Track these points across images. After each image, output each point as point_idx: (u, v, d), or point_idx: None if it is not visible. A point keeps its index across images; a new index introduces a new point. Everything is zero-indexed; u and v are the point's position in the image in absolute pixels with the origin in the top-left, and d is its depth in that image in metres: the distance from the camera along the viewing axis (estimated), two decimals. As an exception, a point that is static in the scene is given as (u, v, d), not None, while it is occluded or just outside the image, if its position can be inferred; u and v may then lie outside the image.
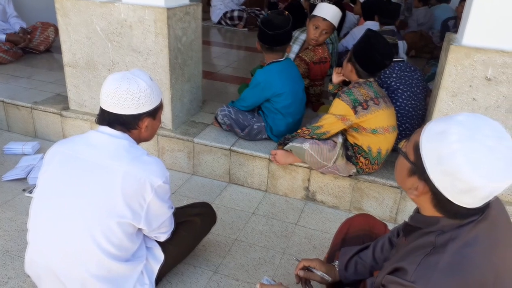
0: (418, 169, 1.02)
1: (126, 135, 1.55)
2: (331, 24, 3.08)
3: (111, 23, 2.64)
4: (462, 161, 0.92)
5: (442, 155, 0.95)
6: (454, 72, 2.06)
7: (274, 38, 2.55)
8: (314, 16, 3.12)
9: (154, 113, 1.60)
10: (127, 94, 1.49)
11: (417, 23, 5.83)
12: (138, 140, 1.62)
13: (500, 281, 1.01)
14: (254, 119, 2.69)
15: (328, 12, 3.08)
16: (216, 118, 2.78)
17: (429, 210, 1.06)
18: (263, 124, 2.68)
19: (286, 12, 2.64)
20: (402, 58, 2.72)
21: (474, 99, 2.09)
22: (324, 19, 3.07)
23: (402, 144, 1.13)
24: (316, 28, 3.10)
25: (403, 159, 1.09)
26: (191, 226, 1.86)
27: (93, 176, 1.47)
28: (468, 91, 2.08)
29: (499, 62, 1.99)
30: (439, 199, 1.01)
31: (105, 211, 1.45)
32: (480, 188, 0.92)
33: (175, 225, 1.75)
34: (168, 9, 2.50)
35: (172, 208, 1.68)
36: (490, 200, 1.03)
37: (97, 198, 1.46)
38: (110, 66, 2.77)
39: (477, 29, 2.01)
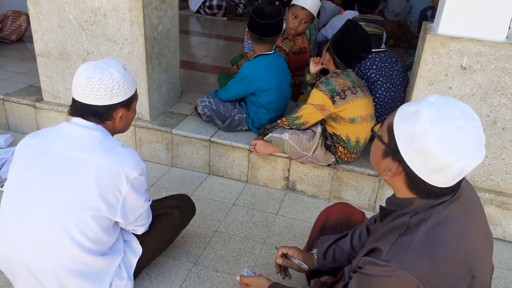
0: (392, 150, 1.04)
1: (100, 127, 1.51)
2: (310, 13, 3.06)
3: (85, 11, 2.56)
4: (433, 139, 0.95)
5: (414, 134, 0.98)
6: (431, 61, 2.08)
7: (265, 28, 2.50)
8: (293, 5, 3.10)
9: (129, 104, 1.57)
10: (100, 84, 1.45)
11: (393, 14, 5.87)
12: (113, 131, 1.59)
13: (471, 259, 1.05)
14: (236, 110, 2.66)
15: (307, 1, 3.06)
16: (196, 109, 2.75)
17: (403, 191, 1.09)
18: (244, 115, 2.66)
19: (277, 2, 2.61)
20: (385, 48, 2.69)
21: (450, 87, 2.11)
22: (303, 8, 3.05)
23: (376, 128, 1.15)
24: (295, 17, 3.07)
25: (378, 141, 1.11)
26: (170, 218, 1.83)
27: (66, 169, 1.43)
28: (444, 79, 2.10)
29: (473, 51, 2.02)
30: (412, 179, 1.04)
31: (79, 205, 1.42)
32: (451, 165, 0.95)
33: (153, 217, 1.72)
34: (144, -3, 2.43)
35: (149, 200, 1.65)
36: (461, 181, 1.06)
37: (70, 192, 1.42)
38: (85, 56, 2.69)
39: (452, 18, 2.03)
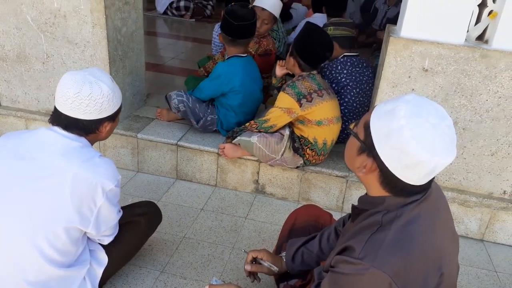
0: (367, 147, 1.06)
1: (81, 138, 1.46)
2: (271, 14, 3.08)
3: (43, 12, 2.46)
4: (408, 135, 0.96)
5: (391, 130, 0.99)
6: (394, 63, 2.12)
7: (238, 29, 2.48)
8: (254, 6, 3.12)
9: (115, 116, 1.53)
10: (89, 100, 1.39)
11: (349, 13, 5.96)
12: (94, 141, 1.54)
13: (440, 256, 1.07)
14: (209, 110, 2.64)
15: (266, 2, 3.07)
16: (167, 99, 2.65)
17: (376, 189, 1.10)
18: (215, 116, 2.64)
19: (250, 5, 2.60)
20: (357, 53, 2.70)
21: (413, 89, 2.16)
22: (263, 9, 3.06)
23: (352, 125, 1.16)
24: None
25: (353, 139, 1.12)
26: (135, 226, 1.79)
27: (40, 177, 1.37)
28: (407, 81, 2.15)
29: (434, 53, 2.07)
30: (385, 175, 1.05)
31: (51, 216, 1.36)
32: (424, 162, 0.97)
33: (119, 226, 1.67)
34: (105, -2, 2.36)
35: (120, 212, 1.61)
36: (432, 181, 1.09)
37: (43, 202, 1.36)
38: (44, 59, 2.59)
39: (414, 21, 2.08)
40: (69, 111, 1.41)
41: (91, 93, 1.39)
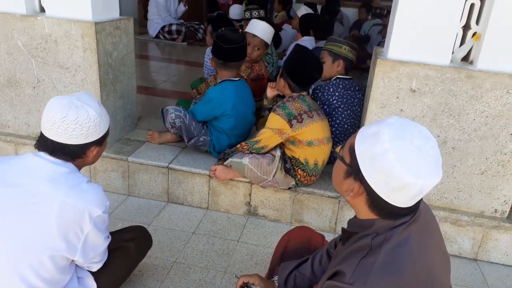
0: (354, 170, 1.06)
1: (68, 163, 1.45)
2: (262, 40, 3.12)
3: (34, 38, 2.48)
4: (393, 158, 0.97)
5: (375, 154, 0.99)
6: (382, 84, 2.15)
7: (229, 52, 2.51)
8: (246, 32, 3.16)
9: (102, 140, 1.52)
10: (76, 125, 1.38)
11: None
12: (81, 166, 1.52)
13: (431, 279, 1.06)
14: (203, 131, 2.65)
15: (257, 29, 3.12)
16: (162, 113, 2.65)
17: (364, 212, 1.10)
18: (208, 138, 2.64)
19: (240, 30, 2.65)
20: (350, 76, 2.72)
21: (401, 109, 2.19)
22: (254, 35, 3.10)
23: (338, 149, 1.17)
24: (248, 45, 3.13)
25: (340, 162, 1.12)
26: (125, 252, 1.75)
27: (26, 205, 1.34)
28: (396, 102, 2.18)
29: (421, 74, 2.11)
30: (373, 199, 1.05)
31: (37, 245, 1.33)
32: (410, 184, 0.97)
33: (108, 252, 1.64)
34: (97, 23, 2.39)
35: (108, 238, 1.58)
36: (420, 202, 1.09)
37: (28, 229, 1.33)
38: (35, 83, 2.59)
39: (400, 43, 2.12)
40: (55, 136, 1.40)
41: (77, 117, 1.39)
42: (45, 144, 1.43)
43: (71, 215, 1.36)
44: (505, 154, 2.16)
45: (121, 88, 2.74)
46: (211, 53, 2.62)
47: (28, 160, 1.42)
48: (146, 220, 2.44)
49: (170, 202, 2.64)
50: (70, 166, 1.45)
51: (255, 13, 3.97)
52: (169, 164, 2.57)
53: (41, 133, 1.44)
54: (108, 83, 2.58)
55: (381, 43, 5.48)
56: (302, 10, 5.01)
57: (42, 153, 1.43)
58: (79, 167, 1.51)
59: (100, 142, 1.51)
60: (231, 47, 2.51)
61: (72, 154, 1.44)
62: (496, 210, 2.28)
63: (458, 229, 2.33)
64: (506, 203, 2.26)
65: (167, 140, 2.77)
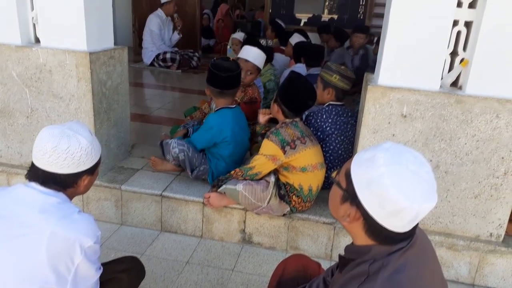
0: (350, 195, 1.06)
1: (59, 193, 1.43)
2: (254, 65, 3.20)
3: (29, 68, 2.50)
4: (388, 182, 0.97)
5: (371, 178, 1.00)
6: (373, 110, 2.18)
7: (226, 81, 2.55)
8: (238, 58, 3.25)
9: (94, 169, 1.50)
10: (67, 154, 1.37)
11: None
12: (73, 196, 1.50)
13: None
14: (203, 160, 2.65)
15: (249, 54, 3.21)
16: (162, 146, 2.65)
17: (361, 238, 1.09)
18: (207, 166, 2.64)
19: (231, 58, 2.71)
20: (342, 103, 2.76)
21: (393, 134, 2.21)
22: (246, 60, 3.19)
23: (334, 174, 1.17)
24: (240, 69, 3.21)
25: (336, 187, 1.12)
26: (118, 284, 1.71)
27: (15, 236, 1.31)
28: (387, 127, 2.20)
29: (412, 100, 2.14)
30: (370, 224, 1.04)
31: (27, 278, 1.29)
32: (406, 209, 0.97)
33: (100, 284, 1.60)
34: (91, 53, 2.42)
35: (100, 269, 1.54)
36: (416, 228, 1.08)
37: (17, 263, 1.30)
38: (29, 113, 2.59)
39: (390, 69, 2.16)
40: (46, 166, 1.39)
41: (68, 146, 1.38)
42: (36, 174, 1.42)
43: (61, 246, 1.33)
44: (497, 177, 2.17)
45: (114, 117, 2.75)
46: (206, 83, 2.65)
47: (18, 191, 1.41)
48: (139, 250, 2.40)
49: (163, 230, 2.61)
50: (61, 196, 1.43)
51: (263, 42, 4.11)
52: (162, 192, 2.55)
53: (32, 163, 1.43)
54: (102, 112, 2.59)
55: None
56: (295, 38, 5.11)
57: (33, 184, 1.42)
58: (71, 197, 1.49)
59: (92, 171, 1.50)
60: (229, 75, 2.55)
61: (63, 183, 1.43)
62: (491, 234, 2.28)
63: (454, 253, 2.31)
64: (501, 226, 2.26)
65: (167, 169, 2.76)
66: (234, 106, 2.67)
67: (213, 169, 2.63)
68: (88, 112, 2.50)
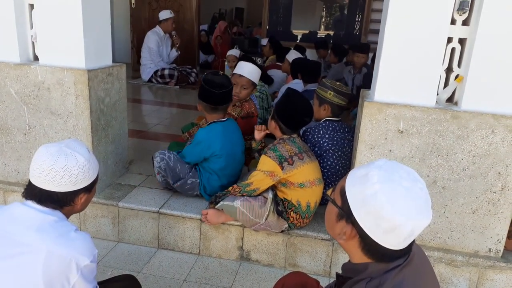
0: (345, 213, 1.06)
1: (56, 212, 1.42)
2: (249, 80, 3.24)
3: (27, 85, 2.51)
4: (383, 200, 0.98)
5: (366, 196, 1.00)
6: (370, 126, 2.19)
7: (220, 96, 2.57)
8: (233, 74, 3.30)
9: (91, 187, 1.50)
10: (65, 172, 1.37)
11: (335, 79, 6.25)
12: (70, 214, 1.50)
13: None
14: (190, 173, 2.63)
15: (243, 69, 3.25)
16: (153, 160, 2.65)
17: (357, 256, 1.09)
18: (197, 180, 2.62)
19: (222, 72, 2.73)
20: (339, 118, 2.78)
21: (390, 150, 2.21)
22: (241, 75, 3.22)
23: (329, 192, 1.17)
24: (235, 84, 3.24)
25: (331, 205, 1.13)
26: (114, 302, 1.69)
27: (11, 256, 1.30)
28: (384, 143, 2.21)
29: (408, 116, 2.15)
30: (366, 241, 1.04)
31: None
32: (401, 226, 0.98)
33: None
34: (89, 70, 2.44)
35: None
36: (412, 244, 1.08)
37: (12, 282, 1.28)
38: (26, 130, 2.60)
39: (386, 86, 2.18)
40: (43, 184, 1.39)
41: (66, 164, 1.38)
42: (33, 193, 1.41)
43: (57, 265, 1.32)
44: (495, 192, 2.17)
45: (112, 133, 2.75)
46: (198, 99, 2.66)
47: (15, 210, 1.40)
48: (136, 268, 2.38)
49: (160, 248, 2.59)
50: (58, 214, 1.43)
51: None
52: (159, 208, 2.54)
53: (29, 182, 1.43)
54: (100, 129, 2.60)
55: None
56: (292, 54, 5.17)
57: (29, 202, 1.41)
58: (68, 215, 1.49)
59: (89, 189, 1.49)
60: (223, 92, 2.57)
61: (60, 202, 1.42)
62: (490, 249, 2.27)
63: (453, 269, 2.30)
64: (500, 242, 2.25)
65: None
66: (225, 119, 2.68)
67: (205, 184, 2.62)
68: (86, 129, 2.50)
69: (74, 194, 1.44)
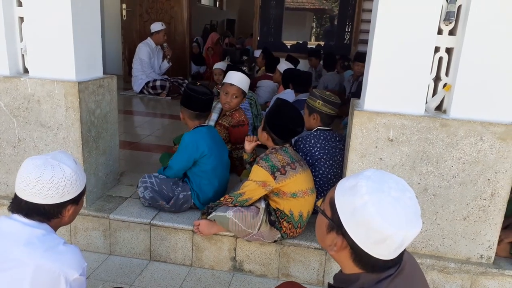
0: (335, 224, 1.06)
1: (44, 225, 1.41)
2: (239, 88, 3.28)
3: (17, 98, 2.50)
4: (372, 211, 0.98)
5: (355, 207, 1.00)
6: (360, 134, 2.21)
7: (205, 103, 2.65)
8: (224, 83, 3.35)
9: (78, 199, 1.49)
10: (51, 184, 1.36)
11: (326, 89, 6.32)
12: (57, 227, 1.48)
13: None
14: (179, 188, 2.60)
15: (233, 78, 3.31)
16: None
17: (349, 267, 1.09)
18: (189, 192, 2.61)
19: (198, 83, 2.78)
20: (330, 127, 2.79)
21: (381, 158, 2.23)
22: (231, 84, 3.28)
23: (319, 203, 1.16)
24: (226, 93, 3.29)
25: (321, 216, 1.13)
26: (104, 316, 1.67)
27: None
28: (375, 151, 2.22)
29: (398, 124, 2.18)
30: (357, 253, 1.04)
31: None
32: (392, 236, 0.98)
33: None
34: (80, 82, 2.43)
35: None
36: (403, 254, 1.09)
37: None
38: (16, 143, 2.57)
39: (375, 95, 2.20)
40: (30, 197, 1.37)
41: (52, 176, 1.37)
42: (19, 206, 1.40)
43: (46, 280, 1.30)
44: (485, 199, 2.19)
45: (103, 145, 2.74)
46: (181, 107, 2.70)
47: (1, 224, 1.38)
48: (128, 280, 2.35)
49: (152, 260, 2.56)
50: (45, 227, 1.41)
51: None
52: (151, 220, 2.52)
53: (15, 195, 1.42)
54: (90, 140, 2.58)
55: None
56: (283, 65, 5.21)
57: (16, 216, 1.39)
58: (55, 228, 1.47)
59: (76, 201, 1.48)
60: (208, 98, 2.65)
61: (47, 214, 1.41)
62: (481, 255, 2.28)
63: (446, 276, 2.30)
64: (491, 248, 2.26)
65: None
66: (206, 125, 2.75)
67: (198, 191, 2.61)
68: (76, 141, 2.49)
69: (62, 206, 1.42)
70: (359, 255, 1.05)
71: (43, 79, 2.45)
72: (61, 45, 2.43)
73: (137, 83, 6.48)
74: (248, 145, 2.62)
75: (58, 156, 1.43)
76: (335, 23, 8.82)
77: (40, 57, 2.48)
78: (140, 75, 6.45)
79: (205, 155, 2.57)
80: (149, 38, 6.51)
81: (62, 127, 2.48)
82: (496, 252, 2.29)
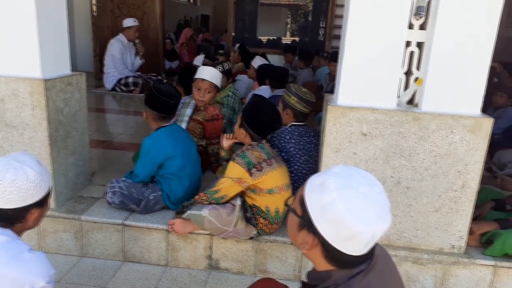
0: (306, 222, 1.05)
1: (7, 230, 1.34)
2: (211, 83, 3.23)
3: (-21, 97, 2.38)
4: (341, 208, 0.97)
5: (324, 204, 1.00)
6: (334, 129, 2.21)
7: (173, 105, 2.56)
8: (196, 79, 3.28)
9: (43, 202, 1.42)
10: (13, 187, 1.29)
11: (303, 84, 6.35)
12: (21, 231, 1.41)
13: None
14: (149, 190, 2.53)
15: (205, 73, 3.25)
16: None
17: (321, 264, 1.08)
18: (159, 193, 2.55)
19: (165, 81, 2.70)
20: (304, 123, 2.78)
21: (355, 153, 2.24)
22: (203, 80, 3.22)
23: (290, 201, 1.15)
24: (199, 89, 3.23)
25: (292, 214, 1.11)
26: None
27: None
28: (349, 146, 2.23)
29: (371, 118, 2.19)
30: (328, 250, 1.04)
31: None
32: (362, 233, 0.98)
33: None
34: (46, 80, 2.34)
35: None
36: (375, 248, 1.08)
37: None
38: (-21, 143, 2.46)
39: (348, 90, 2.21)
40: None
41: (15, 179, 1.31)
42: None
43: None
44: (456, 191, 2.24)
45: (73, 144, 2.65)
46: (145, 106, 2.60)
47: None
48: (101, 283, 2.29)
49: (126, 261, 2.50)
50: (9, 233, 1.35)
51: (220, 68, 4.06)
52: (124, 220, 2.46)
53: None
54: (59, 140, 2.50)
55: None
56: (258, 61, 5.18)
57: None
58: (19, 233, 1.40)
59: (41, 204, 1.42)
60: (176, 102, 2.56)
61: (10, 219, 1.34)
62: (453, 246, 2.33)
63: (419, 267, 2.35)
64: (462, 238, 2.32)
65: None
66: (169, 123, 2.63)
67: (168, 192, 2.55)
68: (43, 141, 2.40)
69: (25, 210, 1.36)
70: (330, 252, 1.04)
71: (7, 77, 2.34)
72: (25, 41, 2.33)
73: (109, 80, 6.33)
74: (226, 143, 2.59)
75: (21, 158, 1.37)
76: (310, 19, 8.85)
77: (4, 54, 2.37)
78: (112, 72, 6.30)
79: (170, 156, 2.50)
80: (121, 34, 6.37)
81: (29, 127, 2.39)
82: (467, 242, 2.34)
